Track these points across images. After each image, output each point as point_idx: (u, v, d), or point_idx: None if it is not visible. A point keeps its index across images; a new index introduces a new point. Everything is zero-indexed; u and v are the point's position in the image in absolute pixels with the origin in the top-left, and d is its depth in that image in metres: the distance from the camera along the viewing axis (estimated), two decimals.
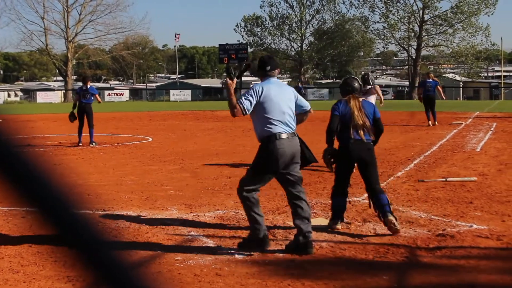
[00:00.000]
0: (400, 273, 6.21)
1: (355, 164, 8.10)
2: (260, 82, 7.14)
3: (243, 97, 6.86)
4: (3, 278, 5.89)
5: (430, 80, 24.49)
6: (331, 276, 5.90)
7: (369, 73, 16.43)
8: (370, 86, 14.35)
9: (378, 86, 14.46)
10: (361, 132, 7.74)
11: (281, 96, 6.95)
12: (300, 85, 40.12)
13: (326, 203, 9.14)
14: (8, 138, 0.99)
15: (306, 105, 7.27)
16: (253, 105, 6.82)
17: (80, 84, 19.72)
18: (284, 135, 6.78)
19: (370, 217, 8.39)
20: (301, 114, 7.21)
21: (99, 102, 19.66)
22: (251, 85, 7.98)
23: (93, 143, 18.68)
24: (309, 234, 6.80)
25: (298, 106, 7.13)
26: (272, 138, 6.76)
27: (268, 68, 7.13)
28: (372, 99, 14.16)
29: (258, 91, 6.87)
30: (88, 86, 18.88)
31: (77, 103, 18.71)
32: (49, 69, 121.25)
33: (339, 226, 7.82)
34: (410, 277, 6.14)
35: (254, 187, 6.87)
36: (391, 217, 7.48)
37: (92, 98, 18.83)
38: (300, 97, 7.25)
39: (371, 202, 7.83)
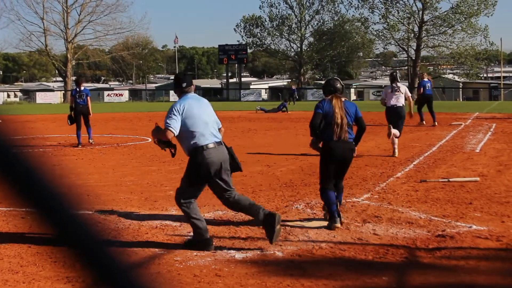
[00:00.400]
0: (399, 273, 6.21)
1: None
2: (178, 100, 7.33)
3: (167, 120, 7.09)
4: (3, 279, 5.89)
5: (427, 80, 25.32)
6: (331, 277, 5.90)
7: (397, 71, 18.79)
8: (399, 84, 16.05)
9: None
10: (343, 131, 8.02)
11: (201, 109, 7.23)
12: (293, 88, 39.70)
13: None
14: (7, 139, 0.99)
15: (219, 122, 7.49)
16: (179, 123, 7.02)
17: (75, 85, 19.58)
18: (211, 145, 7.03)
19: (369, 217, 8.40)
20: None
21: (89, 109, 18.89)
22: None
23: (92, 140, 18.89)
24: (262, 208, 7.07)
25: None
26: (200, 150, 7.00)
27: (184, 85, 7.36)
28: (402, 96, 15.69)
29: (179, 109, 7.11)
30: (82, 88, 18.75)
31: (74, 105, 18.65)
32: (49, 70, 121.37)
33: (338, 225, 7.87)
34: (409, 278, 6.14)
35: (190, 195, 7.13)
36: (338, 224, 7.87)
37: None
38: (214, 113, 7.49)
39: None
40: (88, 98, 18.78)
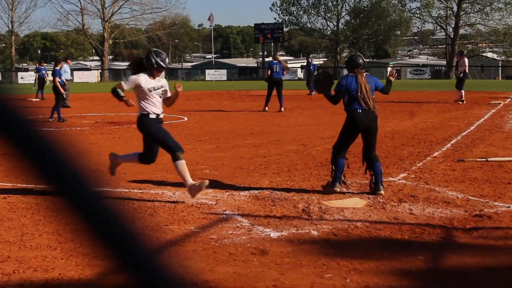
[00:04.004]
0: (436, 253, 6.16)
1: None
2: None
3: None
4: (42, 255, 5.99)
5: (277, 61, 23.20)
6: (366, 256, 5.88)
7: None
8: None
9: None
10: (368, 102, 8.52)
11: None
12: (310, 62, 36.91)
13: (361, 183, 9.10)
14: (30, 119, 0.98)
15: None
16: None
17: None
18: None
19: (405, 197, 8.35)
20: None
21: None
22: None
23: (53, 119, 19.90)
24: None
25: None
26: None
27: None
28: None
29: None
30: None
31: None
32: (86, 49, 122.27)
33: (337, 189, 8.60)
34: (446, 258, 6.09)
35: None
36: (382, 191, 8.49)
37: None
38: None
39: (366, 168, 8.80)
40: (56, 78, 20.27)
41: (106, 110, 23.85)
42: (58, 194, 0.96)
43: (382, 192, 8.48)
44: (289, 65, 27.55)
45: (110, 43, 76.96)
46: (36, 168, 0.97)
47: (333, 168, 8.71)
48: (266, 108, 22.95)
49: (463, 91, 25.11)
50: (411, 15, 73.27)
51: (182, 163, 8.18)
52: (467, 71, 25.39)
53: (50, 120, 19.55)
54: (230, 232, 6.79)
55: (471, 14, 69.69)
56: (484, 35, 72.28)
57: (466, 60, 25.54)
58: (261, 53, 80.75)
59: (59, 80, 20.00)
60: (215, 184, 9.39)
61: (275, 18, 78.45)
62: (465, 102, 24.61)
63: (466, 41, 78.34)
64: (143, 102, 8.23)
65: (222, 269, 5.56)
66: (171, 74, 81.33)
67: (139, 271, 0.99)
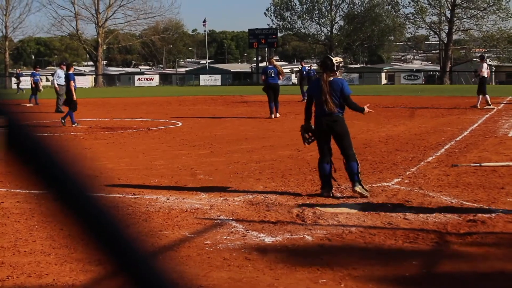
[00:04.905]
0: (429, 258, 6.16)
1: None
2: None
3: None
4: (36, 260, 5.97)
5: (271, 66, 23.00)
6: (360, 261, 5.88)
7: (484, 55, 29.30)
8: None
9: None
10: (329, 106, 8.68)
11: None
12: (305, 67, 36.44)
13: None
14: (28, 124, 0.98)
15: None
16: None
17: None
18: None
19: (400, 202, 8.35)
20: None
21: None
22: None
23: (63, 122, 20.19)
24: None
25: None
26: None
27: None
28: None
29: None
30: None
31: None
32: (80, 54, 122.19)
33: (326, 194, 8.71)
34: (440, 263, 6.09)
35: None
36: (357, 188, 8.56)
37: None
38: None
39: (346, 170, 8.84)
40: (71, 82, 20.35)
41: (100, 116, 23.82)
42: (52, 200, 0.96)
43: (357, 188, 8.58)
44: (283, 70, 27.28)
45: (104, 48, 76.95)
46: (30, 173, 0.97)
47: (319, 173, 9.00)
48: (273, 116, 22.36)
49: (487, 96, 25.23)
50: (405, 20, 73.49)
51: None
52: (485, 75, 25.41)
53: (74, 125, 19.83)
54: (225, 237, 6.78)
55: (464, 20, 69.91)
56: (477, 40, 72.49)
57: (484, 65, 25.70)
58: (255, 58, 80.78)
59: (74, 84, 20.16)
60: (209, 189, 9.39)
61: (268, 24, 78.49)
62: (491, 106, 24.96)
63: (459, 46, 78.55)
64: None
65: (216, 274, 5.55)
66: (165, 79, 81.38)
67: (133, 276, 0.99)
